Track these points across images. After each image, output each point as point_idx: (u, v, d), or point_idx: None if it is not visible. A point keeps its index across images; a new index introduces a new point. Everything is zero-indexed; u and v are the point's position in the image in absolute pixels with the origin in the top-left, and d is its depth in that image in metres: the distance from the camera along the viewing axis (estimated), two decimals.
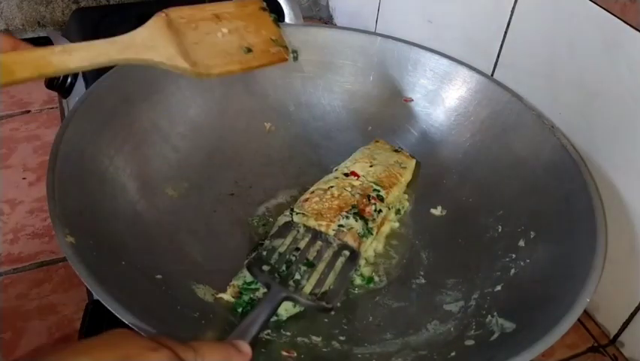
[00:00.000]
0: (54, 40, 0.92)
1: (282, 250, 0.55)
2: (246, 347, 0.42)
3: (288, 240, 0.56)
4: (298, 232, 0.57)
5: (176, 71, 0.50)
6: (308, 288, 0.53)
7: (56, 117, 0.87)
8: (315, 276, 0.54)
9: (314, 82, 0.75)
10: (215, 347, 0.40)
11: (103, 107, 0.60)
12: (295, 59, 0.62)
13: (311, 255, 0.56)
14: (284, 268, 0.54)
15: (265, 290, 0.52)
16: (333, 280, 0.54)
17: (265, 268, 0.53)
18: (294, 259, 0.55)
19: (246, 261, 0.55)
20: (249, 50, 0.54)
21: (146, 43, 0.48)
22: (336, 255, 0.56)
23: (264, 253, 0.55)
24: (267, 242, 0.57)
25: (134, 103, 0.64)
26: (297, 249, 0.56)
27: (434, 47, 0.72)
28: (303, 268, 0.54)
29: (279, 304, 0.50)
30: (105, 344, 0.35)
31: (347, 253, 0.57)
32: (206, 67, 0.51)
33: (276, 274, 0.53)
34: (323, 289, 0.53)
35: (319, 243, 0.57)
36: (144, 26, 0.49)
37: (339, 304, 0.56)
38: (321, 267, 0.55)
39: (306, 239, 0.57)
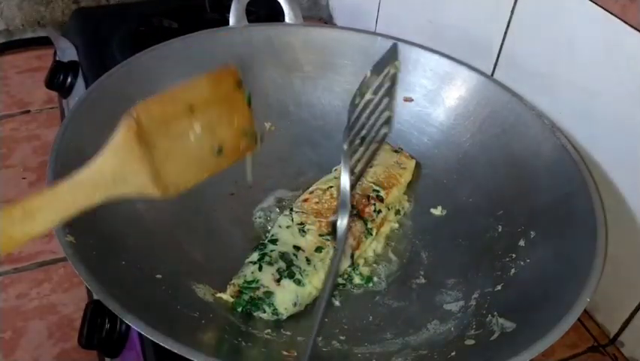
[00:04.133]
0: (54, 40, 0.92)
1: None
2: None
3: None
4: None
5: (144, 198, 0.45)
6: None
7: (56, 117, 0.87)
8: None
9: (314, 82, 0.74)
10: None
11: (103, 107, 0.60)
12: (261, 141, 0.54)
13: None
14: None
15: (266, 289, 0.53)
16: None
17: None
18: None
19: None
20: (220, 151, 0.49)
21: (116, 175, 0.42)
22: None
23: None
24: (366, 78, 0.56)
25: (134, 103, 0.64)
26: None
27: (434, 47, 0.72)
28: None
29: None
30: None
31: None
32: (176, 186, 0.46)
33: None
34: None
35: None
36: (112, 147, 0.43)
37: (339, 303, 0.56)
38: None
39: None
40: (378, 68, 0.57)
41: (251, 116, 0.51)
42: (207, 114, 0.47)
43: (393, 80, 0.58)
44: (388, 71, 0.57)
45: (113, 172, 0.42)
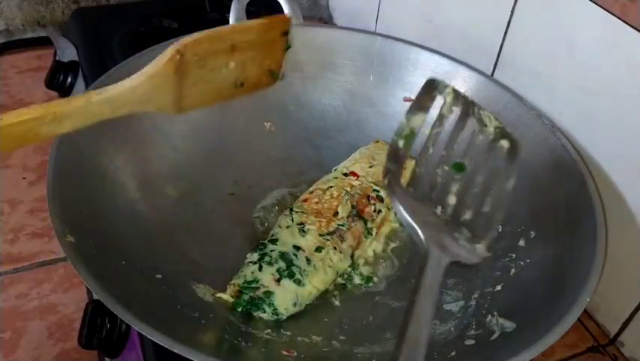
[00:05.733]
0: (54, 40, 0.92)
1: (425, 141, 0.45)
2: None
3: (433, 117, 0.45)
4: (445, 102, 0.46)
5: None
6: (461, 212, 0.42)
7: None
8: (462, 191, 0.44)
9: (314, 82, 0.74)
10: None
11: None
12: (282, 78, 0.54)
13: (459, 147, 0.45)
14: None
15: (266, 289, 0.53)
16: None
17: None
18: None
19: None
20: (241, 85, 0.50)
21: (145, 96, 0.45)
22: (492, 149, 0.45)
23: (400, 144, 0.44)
24: (403, 120, 0.46)
25: None
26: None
27: (434, 47, 0.72)
28: (452, 173, 0.44)
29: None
30: None
31: (505, 143, 0.45)
32: (190, 107, 0.48)
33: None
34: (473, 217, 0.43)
35: (470, 122, 0.45)
36: (150, 73, 0.44)
37: (339, 303, 0.56)
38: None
39: (455, 114, 0.45)
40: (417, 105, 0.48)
41: (283, 60, 0.53)
42: (245, 54, 0.49)
43: (466, 104, 0.48)
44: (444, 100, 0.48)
45: (143, 94, 0.44)
